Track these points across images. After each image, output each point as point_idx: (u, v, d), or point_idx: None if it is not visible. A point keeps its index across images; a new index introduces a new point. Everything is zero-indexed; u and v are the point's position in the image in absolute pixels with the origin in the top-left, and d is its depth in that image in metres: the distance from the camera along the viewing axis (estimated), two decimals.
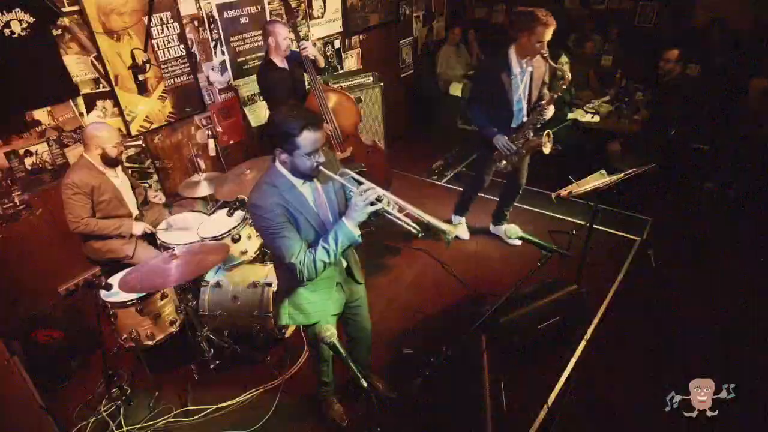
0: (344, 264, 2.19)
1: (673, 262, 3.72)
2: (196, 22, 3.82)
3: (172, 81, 3.77)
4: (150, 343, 2.83)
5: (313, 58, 3.62)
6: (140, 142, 3.69)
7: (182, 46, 3.76)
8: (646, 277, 3.59)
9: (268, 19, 4.26)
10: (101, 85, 3.38)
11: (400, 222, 1.90)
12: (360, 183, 1.85)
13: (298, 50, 3.62)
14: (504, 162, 3.48)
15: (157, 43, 3.60)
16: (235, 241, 3.10)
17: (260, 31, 3.98)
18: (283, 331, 3.13)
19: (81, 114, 3.33)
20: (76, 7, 3.12)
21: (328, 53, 5.07)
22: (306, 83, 3.89)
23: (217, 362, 2.91)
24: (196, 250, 2.65)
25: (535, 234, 2.64)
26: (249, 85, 4.35)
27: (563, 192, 2.86)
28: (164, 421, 2.73)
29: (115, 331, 2.80)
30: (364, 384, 1.75)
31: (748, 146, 4.29)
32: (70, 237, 3.06)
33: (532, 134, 3.37)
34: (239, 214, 3.15)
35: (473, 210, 4.14)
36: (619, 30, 5.87)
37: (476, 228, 4.22)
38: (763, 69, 4.24)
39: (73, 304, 3.35)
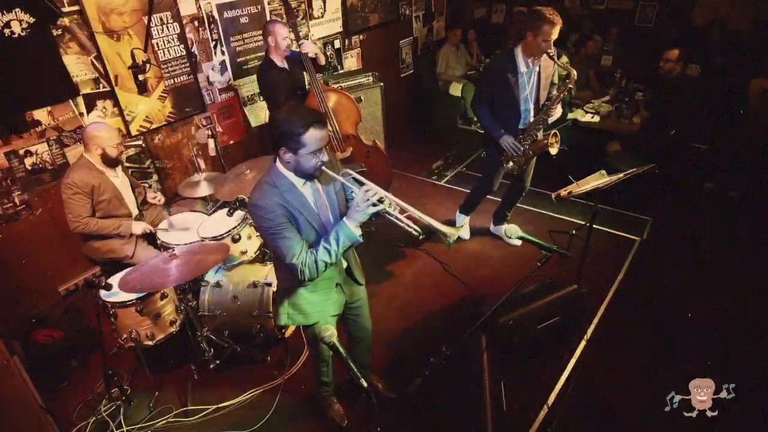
0: (344, 264, 2.19)
1: (673, 262, 3.72)
2: (196, 22, 3.82)
3: (172, 81, 3.77)
4: (150, 343, 2.83)
5: (313, 56, 3.62)
6: (140, 142, 3.69)
7: (182, 46, 3.76)
8: (646, 277, 3.60)
9: (268, 19, 4.27)
10: (101, 85, 3.38)
11: (401, 224, 1.89)
12: (362, 183, 1.84)
13: (297, 50, 3.62)
14: (511, 163, 3.46)
15: (157, 43, 3.60)
16: (235, 241, 3.10)
17: (260, 31, 3.98)
18: (283, 331, 3.13)
19: (81, 114, 3.33)
20: (76, 7, 3.12)
21: (328, 53, 5.07)
22: (306, 83, 3.89)
23: (217, 362, 2.91)
24: (196, 250, 2.65)
25: (535, 234, 2.64)
26: (249, 85, 4.35)
27: (563, 192, 2.86)
28: (164, 421, 2.73)
29: (115, 331, 2.80)
30: (364, 384, 1.75)
31: (748, 146, 4.29)
32: (70, 237, 3.06)
33: (539, 135, 3.36)
34: (239, 214, 3.15)
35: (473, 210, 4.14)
36: (619, 30, 5.87)
37: (476, 228, 4.22)
38: (763, 69, 4.24)
39: (73, 304, 3.35)
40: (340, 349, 1.79)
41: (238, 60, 4.22)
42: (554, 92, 3.35)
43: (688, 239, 3.97)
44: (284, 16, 4.02)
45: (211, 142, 3.83)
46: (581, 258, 3.02)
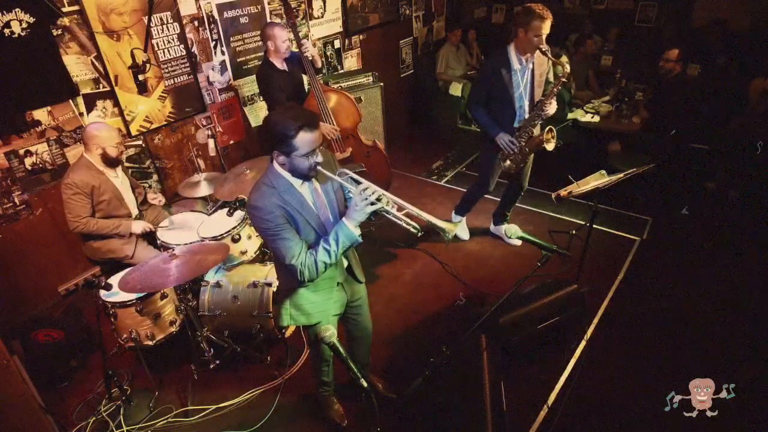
0: (345, 263, 2.18)
1: (673, 262, 3.72)
2: (196, 22, 3.82)
3: (172, 81, 3.77)
4: (150, 343, 2.83)
5: (311, 58, 3.62)
6: (140, 142, 3.69)
7: (182, 46, 3.76)
8: (646, 277, 3.59)
9: (268, 19, 4.27)
10: (101, 85, 3.38)
11: (399, 222, 1.89)
12: (358, 183, 1.84)
13: (298, 51, 3.62)
14: (509, 162, 3.46)
15: (157, 43, 3.60)
16: (235, 241, 3.10)
17: (260, 31, 3.98)
18: (283, 331, 3.13)
19: (81, 114, 3.33)
20: (76, 7, 3.12)
21: (328, 53, 5.07)
22: (306, 84, 3.88)
23: (217, 362, 2.91)
24: (196, 250, 2.65)
25: (535, 234, 2.64)
26: (249, 85, 4.35)
27: (563, 192, 2.86)
28: (164, 421, 2.73)
29: (115, 331, 2.80)
30: (364, 384, 1.75)
31: (748, 146, 4.29)
32: (70, 237, 3.06)
33: (535, 131, 3.36)
34: (239, 214, 3.15)
35: (474, 210, 4.13)
36: (619, 30, 5.87)
37: (476, 228, 4.22)
38: (763, 69, 4.24)
39: (73, 304, 3.34)
40: (340, 348, 1.79)
41: (238, 60, 4.22)
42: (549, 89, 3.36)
43: (688, 239, 3.97)
44: (284, 16, 4.02)
45: (211, 142, 3.84)
46: (581, 258, 3.02)
